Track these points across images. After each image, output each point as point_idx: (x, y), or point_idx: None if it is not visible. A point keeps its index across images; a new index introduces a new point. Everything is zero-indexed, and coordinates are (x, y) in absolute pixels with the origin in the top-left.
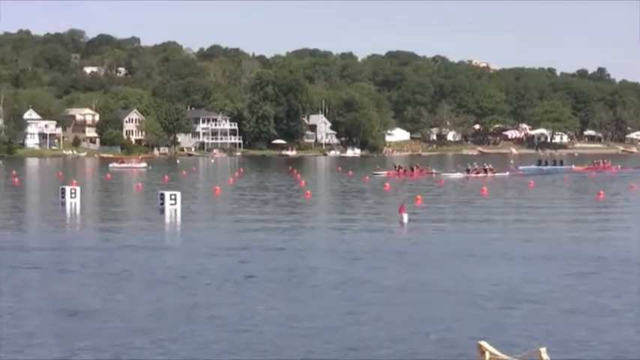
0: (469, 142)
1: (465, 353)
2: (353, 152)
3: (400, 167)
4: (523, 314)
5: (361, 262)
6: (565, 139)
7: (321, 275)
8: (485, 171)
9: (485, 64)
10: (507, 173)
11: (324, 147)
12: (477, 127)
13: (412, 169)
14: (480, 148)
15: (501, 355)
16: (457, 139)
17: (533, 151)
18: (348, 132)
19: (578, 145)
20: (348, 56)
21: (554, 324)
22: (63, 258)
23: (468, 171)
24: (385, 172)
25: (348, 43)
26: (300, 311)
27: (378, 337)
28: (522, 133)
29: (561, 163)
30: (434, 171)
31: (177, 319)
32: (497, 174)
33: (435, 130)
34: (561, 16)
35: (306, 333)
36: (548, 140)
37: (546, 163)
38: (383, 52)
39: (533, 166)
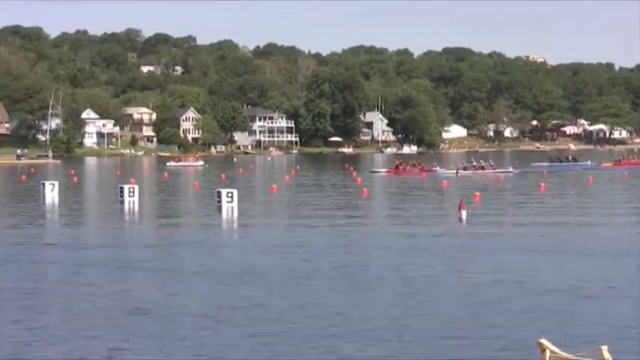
0: (526, 139)
1: (526, 351)
2: (409, 149)
3: (400, 164)
4: (585, 311)
5: (420, 259)
6: (624, 134)
7: (379, 273)
8: (483, 168)
9: (542, 60)
10: (510, 169)
11: (380, 144)
12: (534, 123)
13: (413, 166)
14: (537, 144)
15: (562, 353)
16: (514, 135)
17: (591, 147)
18: (405, 129)
19: (637, 140)
20: (404, 53)
21: (616, 321)
22: (122, 255)
23: (465, 168)
24: (384, 170)
25: (403, 39)
26: (360, 308)
27: (438, 335)
28: (580, 129)
29: (575, 160)
30: (436, 168)
31: (237, 316)
32: (497, 171)
33: (491, 126)
34: (619, 10)
35: (365, 330)
36: (607, 136)
37: (559, 160)
38: (439, 49)
39: (544, 163)
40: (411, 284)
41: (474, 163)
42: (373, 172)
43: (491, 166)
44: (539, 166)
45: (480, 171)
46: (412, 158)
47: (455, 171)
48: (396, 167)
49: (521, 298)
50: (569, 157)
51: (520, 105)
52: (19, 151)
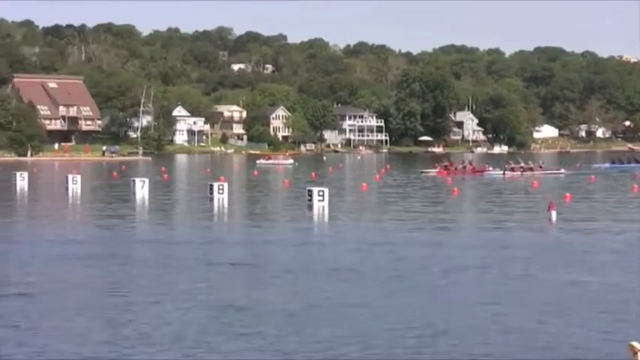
0: (619, 139)
1: (617, 353)
2: (500, 149)
3: (451, 165)
4: None
5: (510, 260)
6: None
7: (471, 273)
8: (532, 169)
9: (635, 60)
10: (562, 171)
11: (470, 144)
12: (627, 123)
13: (464, 167)
14: (630, 145)
15: None
16: (607, 135)
17: None
18: (495, 128)
19: None
20: (495, 52)
21: None
22: (212, 252)
23: (512, 169)
24: (435, 171)
25: (495, 38)
26: (451, 308)
27: (529, 336)
28: None
29: (636, 161)
30: (489, 168)
31: (329, 314)
32: (546, 172)
33: (583, 126)
34: None
35: (461, 331)
36: None
37: (621, 162)
38: (531, 48)
39: (606, 164)
40: (498, 285)
41: (522, 164)
42: (423, 172)
43: (540, 167)
44: (598, 168)
45: (529, 172)
46: (503, 158)
47: (502, 172)
48: (446, 168)
49: (613, 299)
50: (631, 159)
51: (613, 105)
52: (105, 147)
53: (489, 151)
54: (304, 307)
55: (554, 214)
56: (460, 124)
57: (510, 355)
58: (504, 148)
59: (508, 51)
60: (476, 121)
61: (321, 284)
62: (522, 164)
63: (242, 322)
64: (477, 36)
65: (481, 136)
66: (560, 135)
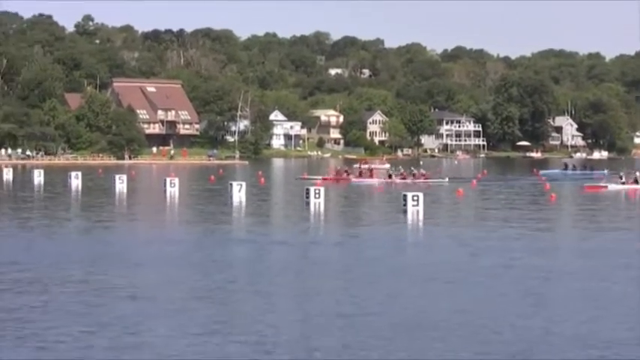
0: None
1: None
2: (600, 154)
3: (345, 171)
4: None
5: (610, 268)
6: None
7: (570, 279)
8: (414, 176)
9: None
10: (447, 179)
11: (569, 149)
12: None
13: (360, 174)
14: None
15: None
16: None
17: None
18: (595, 134)
19: None
20: (595, 56)
21: None
22: (307, 255)
23: (390, 177)
24: (320, 177)
25: (595, 43)
26: (554, 313)
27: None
28: None
29: (591, 168)
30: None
31: (432, 318)
32: (430, 180)
33: None
34: None
35: (562, 334)
36: None
37: (574, 168)
38: (632, 52)
39: (556, 171)
40: (597, 291)
41: (402, 172)
42: (299, 178)
43: (423, 175)
44: (547, 174)
45: (411, 179)
46: (602, 164)
47: (385, 180)
48: (337, 174)
49: None
50: (586, 166)
51: None
52: (209, 152)
53: (589, 157)
54: (404, 314)
55: None
56: (559, 129)
57: None
58: (604, 154)
59: (608, 55)
60: (575, 126)
61: (415, 289)
62: (402, 172)
63: (343, 329)
64: (576, 40)
65: (580, 142)
66: None
